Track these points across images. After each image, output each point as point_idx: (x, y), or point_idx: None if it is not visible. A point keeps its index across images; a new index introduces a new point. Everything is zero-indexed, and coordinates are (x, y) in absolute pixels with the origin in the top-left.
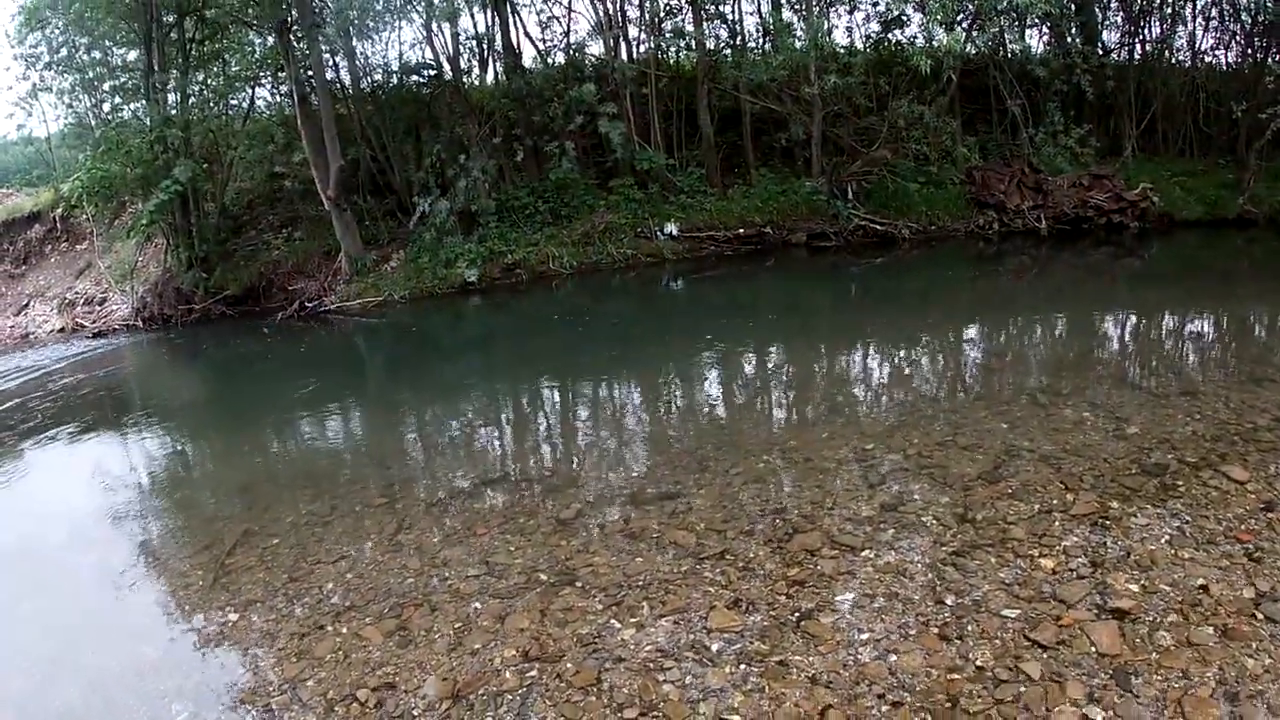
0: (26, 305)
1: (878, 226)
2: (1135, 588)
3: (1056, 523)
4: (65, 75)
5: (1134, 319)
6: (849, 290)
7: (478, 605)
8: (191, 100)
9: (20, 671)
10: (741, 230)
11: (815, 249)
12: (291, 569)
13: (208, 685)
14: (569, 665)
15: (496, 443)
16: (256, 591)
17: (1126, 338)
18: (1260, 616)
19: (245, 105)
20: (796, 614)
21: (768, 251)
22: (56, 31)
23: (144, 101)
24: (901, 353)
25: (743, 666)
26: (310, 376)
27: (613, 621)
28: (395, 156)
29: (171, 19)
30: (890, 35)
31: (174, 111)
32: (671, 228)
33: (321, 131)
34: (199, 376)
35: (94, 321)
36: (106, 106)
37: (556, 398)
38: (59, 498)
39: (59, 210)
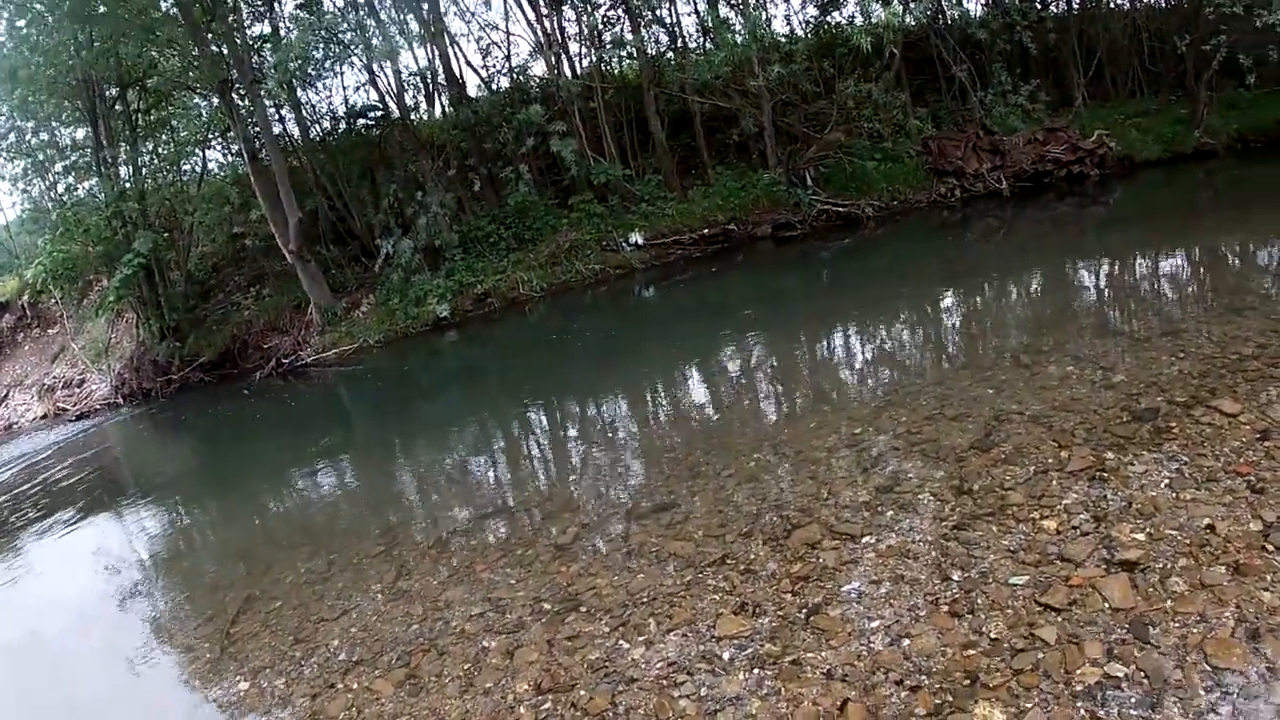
0: (5, 395)
1: (840, 209)
2: (1141, 537)
3: (1054, 482)
4: (15, 161)
5: (1106, 266)
6: (819, 276)
7: (485, 644)
8: (144, 171)
9: None
10: (706, 230)
11: (781, 239)
12: (296, 630)
13: None
14: (582, 693)
15: (488, 475)
16: (264, 657)
17: (1101, 286)
18: (1271, 548)
19: (198, 169)
20: (804, 610)
21: (735, 248)
22: (1, 118)
23: (97, 178)
24: (879, 331)
25: (756, 671)
26: (294, 433)
27: (621, 642)
28: (353, 202)
29: (114, 92)
30: (828, 18)
31: (128, 184)
32: (636, 237)
33: (276, 186)
34: (185, 447)
35: (75, 404)
36: (60, 187)
37: (542, 422)
38: (62, 586)
39: (26, 297)
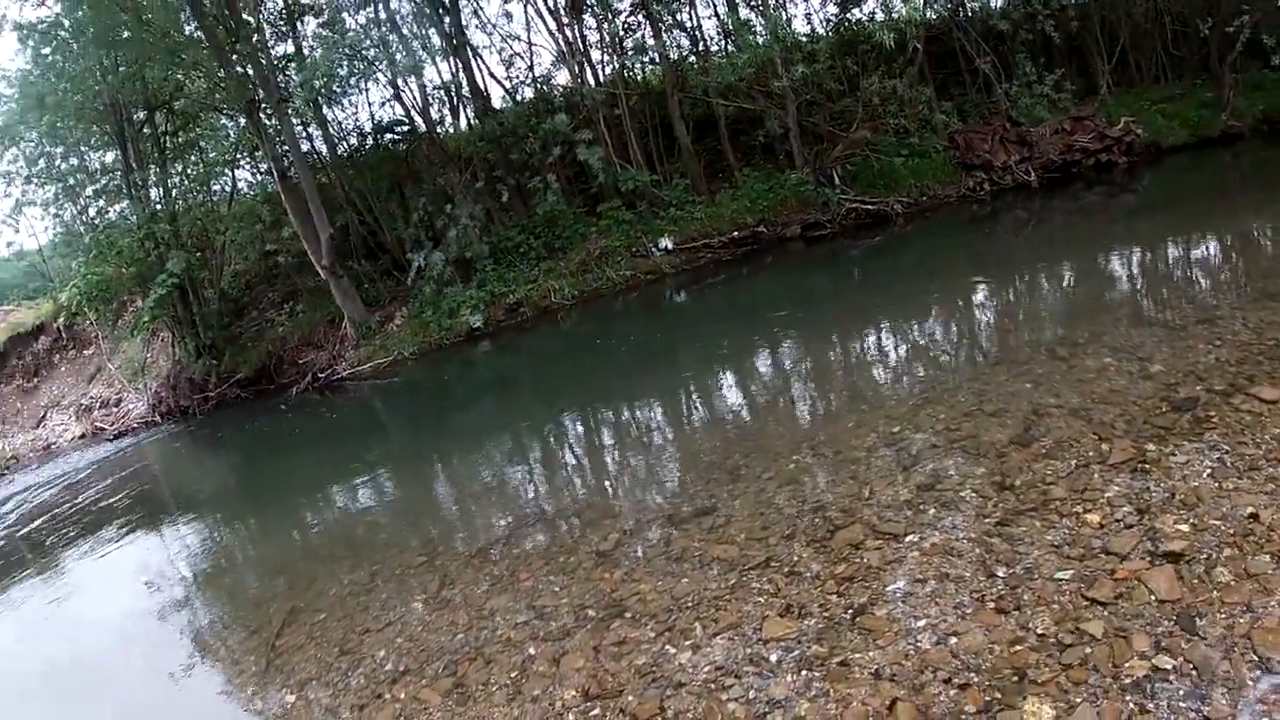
0: (44, 416)
1: (869, 206)
2: (1185, 528)
3: (1096, 475)
4: (46, 186)
5: (1138, 254)
6: (850, 274)
7: (531, 651)
8: (174, 192)
9: None
10: (735, 233)
11: (811, 239)
12: (341, 642)
13: None
14: (630, 699)
15: (527, 484)
16: (310, 669)
17: (1134, 275)
18: None
19: (228, 189)
20: (850, 611)
21: (764, 250)
22: (30, 145)
23: (127, 200)
24: (913, 328)
25: (804, 673)
26: (332, 446)
27: (668, 647)
28: (383, 216)
29: (142, 115)
30: (850, 15)
31: (159, 206)
32: (666, 242)
33: (306, 203)
34: (223, 463)
35: (113, 423)
36: (92, 211)
37: (579, 429)
38: (105, 603)
39: (61, 319)
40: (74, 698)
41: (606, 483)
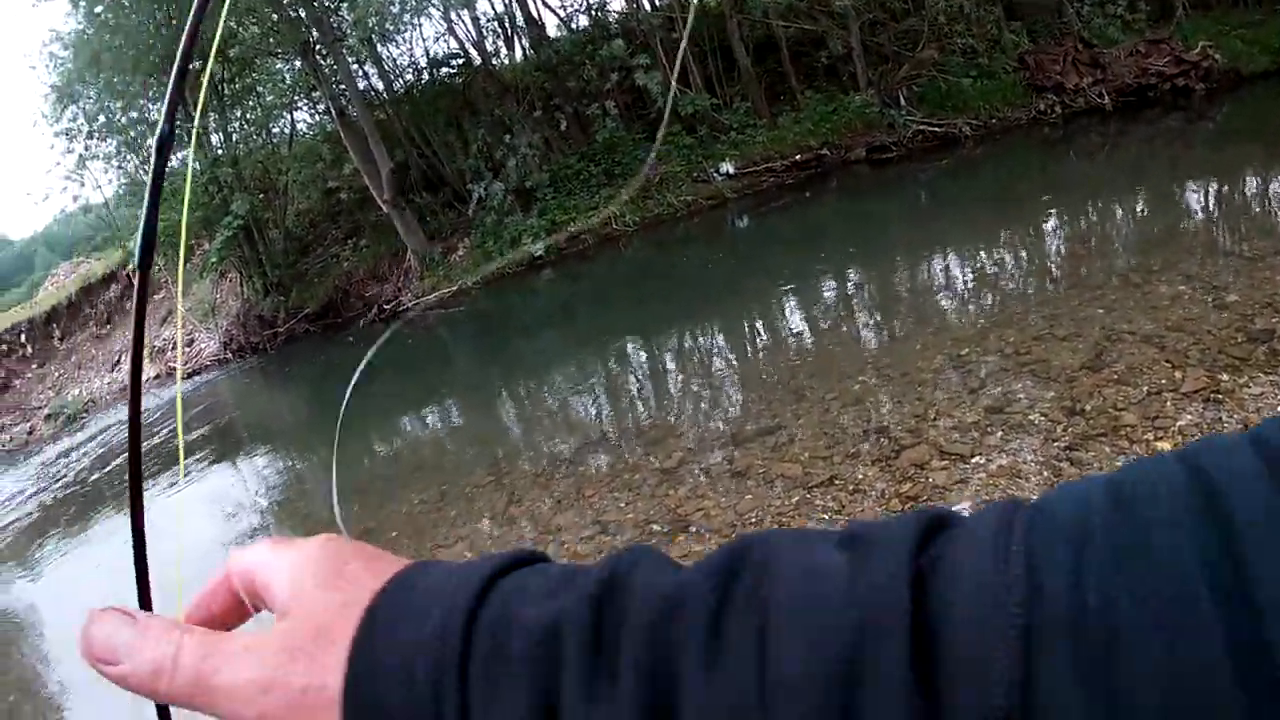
0: (118, 361)
1: (936, 129)
2: None
3: (1168, 403)
4: (107, 140)
5: (1215, 184)
6: (918, 198)
7: None
8: (234, 137)
9: None
10: (798, 157)
11: (876, 162)
12: (414, 558)
13: None
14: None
15: (592, 407)
16: None
17: (1211, 204)
18: None
19: (287, 130)
20: None
21: (828, 173)
22: (89, 102)
23: (189, 148)
24: (982, 253)
25: None
26: (399, 376)
27: None
28: (441, 149)
29: (198, 65)
30: None
31: (220, 151)
32: (727, 167)
33: (365, 140)
34: (294, 395)
35: (185, 363)
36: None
37: (642, 354)
38: (186, 538)
39: (130, 266)
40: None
41: (669, 404)
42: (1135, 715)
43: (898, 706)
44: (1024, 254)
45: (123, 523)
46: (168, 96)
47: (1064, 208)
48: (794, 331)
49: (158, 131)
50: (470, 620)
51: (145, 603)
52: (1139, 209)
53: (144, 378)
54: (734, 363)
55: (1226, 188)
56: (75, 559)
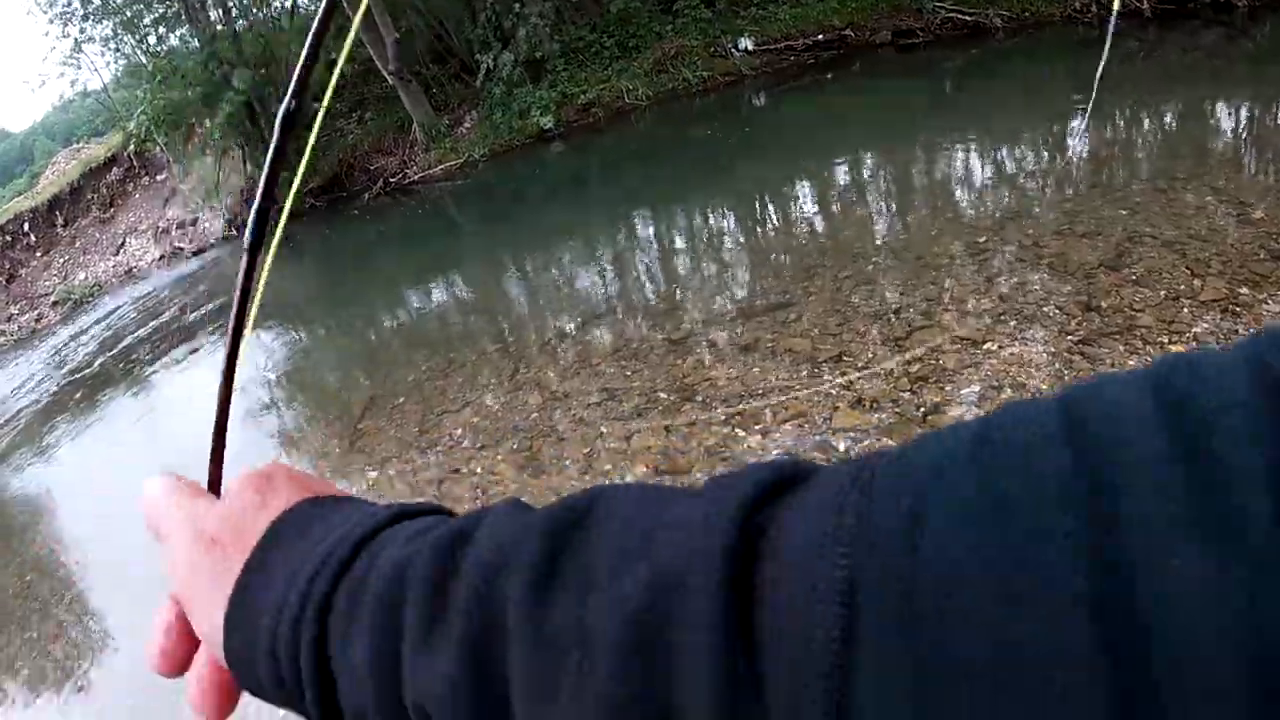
0: (123, 243)
1: (966, 17)
2: None
3: (1185, 309)
4: (103, 22)
5: (1250, 104)
6: (943, 88)
7: (603, 429)
8: (234, 12)
9: None
10: (820, 36)
11: (902, 47)
12: (421, 422)
13: None
14: (699, 475)
15: (600, 280)
16: (391, 448)
17: (1243, 123)
18: None
19: (288, 3)
20: (921, 410)
21: (851, 55)
22: None
23: (187, 25)
24: (1007, 146)
25: None
26: (406, 248)
27: (737, 431)
28: (448, 19)
29: None
30: None
31: (219, 27)
32: (746, 43)
33: (370, 10)
34: (301, 269)
35: (190, 242)
36: (151, 39)
37: (652, 229)
38: (195, 414)
39: (131, 148)
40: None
41: (678, 278)
42: (964, 669)
43: (709, 655)
44: (1047, 151)
45: (131, 403)
46: (296, 74)
47: (1094, 109)
48: (808, 211)
49: (283, 106)
50: (350, 559)
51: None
52: (1169, 118)
53: (150, 259)
54: (745, 239)
55: (1261, 109)
56: (88, 441)
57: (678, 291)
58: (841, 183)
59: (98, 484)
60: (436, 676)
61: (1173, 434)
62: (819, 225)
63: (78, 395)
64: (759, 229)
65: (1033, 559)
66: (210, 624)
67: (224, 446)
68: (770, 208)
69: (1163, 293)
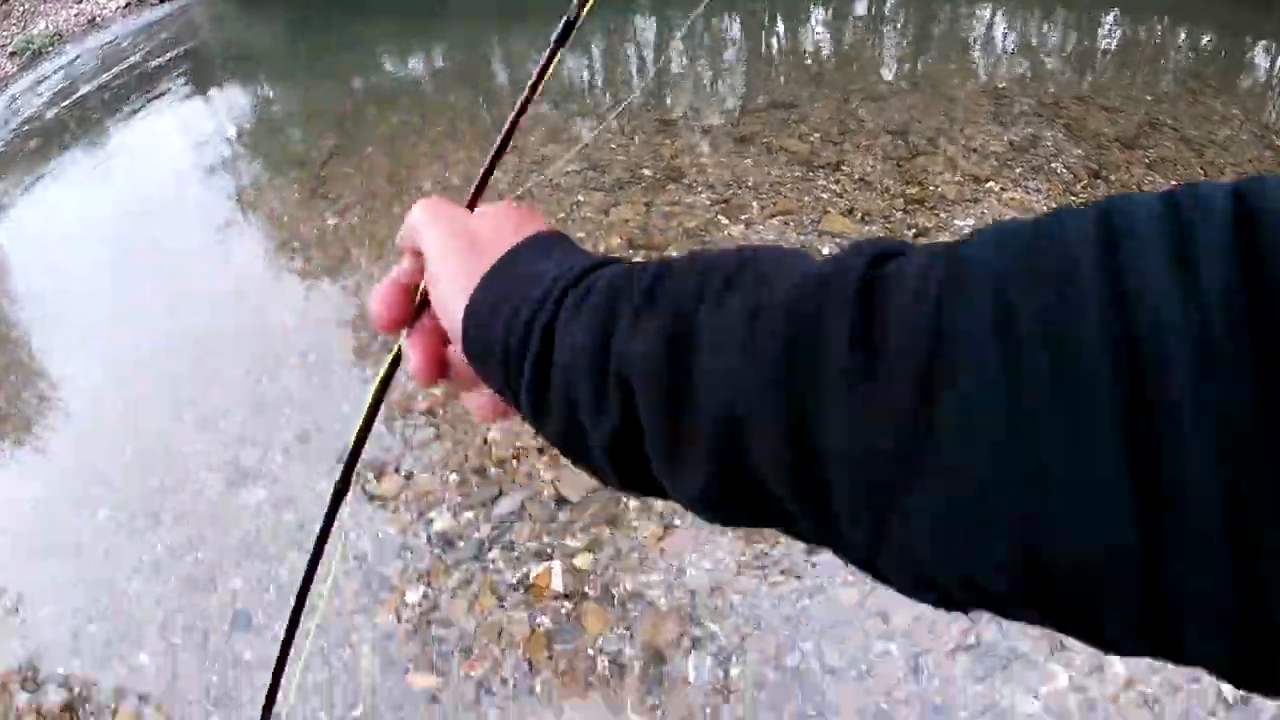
0: None
1: None
2: None
3: None
4: None
5: None
6: None
7: (580, 198)
8: None
9: (153, 295)
10: None
11: None
12: (390, 174)
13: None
14: (674, 253)
15: (591, 49)
16: (354, 196)
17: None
18: None
19: None
20: (913, 230)
21: None
22: None
23: None
24: (1041, 8)
25: None
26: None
27: (720, 218)
28: None
29: None
30: None
31: None
32: None
33: None
34: (274, 17)
35: None
36: None
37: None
38: (153, 166)
39: None
40: (134, 244)
41: (673, 60)
42: (1031, 370)
43: (844, 341)
44: (1085, 23)
45: (86, 155)
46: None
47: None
48: (824, 23)
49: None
50: (581, 275)
51: None
52: (1205, 30)
53: (115, 6)
54: (752, 36)
55: None
56: (41, 191)
57: (675, 76)
58: (860, 6)
59: (52, 233)
60: (639, 355)
61: (1170, 224)
62: (837, 35)
63: (31, 144)
64: (768, 28)
65: (1067, 285)
66: (455, 298)
67: (486, 184)
68: (780, 14)
69: (1172, 181)
